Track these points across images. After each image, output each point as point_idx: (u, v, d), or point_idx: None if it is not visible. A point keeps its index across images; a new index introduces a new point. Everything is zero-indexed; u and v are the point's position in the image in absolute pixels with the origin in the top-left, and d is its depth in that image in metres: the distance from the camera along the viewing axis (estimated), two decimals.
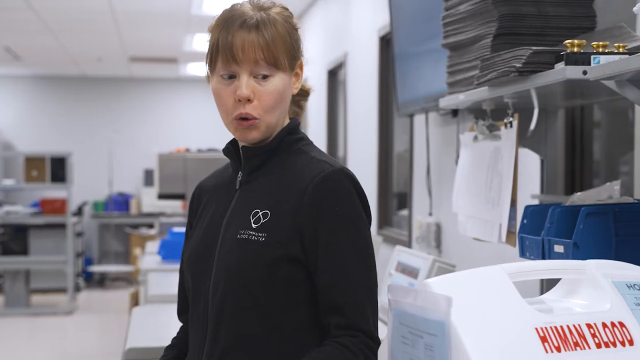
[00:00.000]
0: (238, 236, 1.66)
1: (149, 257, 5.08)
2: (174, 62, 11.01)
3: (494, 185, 2.35)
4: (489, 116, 2.40)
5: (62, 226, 9.47)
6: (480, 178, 2.43)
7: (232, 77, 1.66)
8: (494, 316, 1.19)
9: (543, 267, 1.32)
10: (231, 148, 1.79)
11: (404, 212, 4.64)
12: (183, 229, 5.64)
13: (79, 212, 11.46)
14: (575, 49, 1.82)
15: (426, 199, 3.89)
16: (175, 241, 4.82)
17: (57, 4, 7.45)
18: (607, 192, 2.10)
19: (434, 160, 3.87)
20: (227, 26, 1.65)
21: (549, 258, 1.86)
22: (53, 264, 9.56)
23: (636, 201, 1.91)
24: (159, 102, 12.92)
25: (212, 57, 1.68)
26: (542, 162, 2.57)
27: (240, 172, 1.76)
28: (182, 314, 1.89)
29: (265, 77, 1.65)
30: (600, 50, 1.81)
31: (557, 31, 2.16)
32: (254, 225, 1.65)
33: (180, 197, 6.83)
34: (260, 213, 1.66)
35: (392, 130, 4.89)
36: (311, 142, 1.79)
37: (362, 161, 5.37)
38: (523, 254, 2.00)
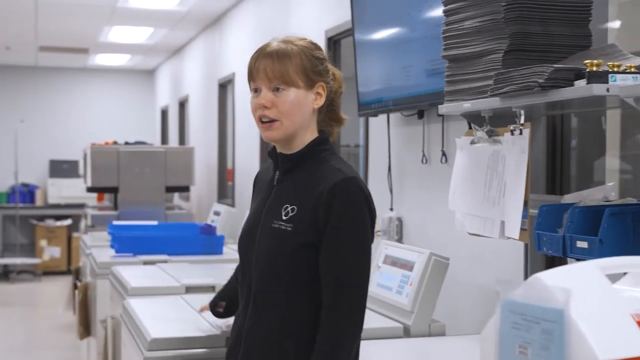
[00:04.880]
0: (272, 225, 2.14)
1: (98, 250, 5.11)
2: (84, 53, 10.90)
3: (494, 185, 2.59)
4: (487, 123, 2.64)
5: None
6: (478, 178, 2.66)
7: (257, 90, 2.17)
8: (597, 304, 1.41)
9: (628, 262, 1.55)
10: (272, 152, 2.27)
11: None
12: (123, 222, 5.70)
13: None
14: (594, 68, 2.07)
15: (387, 195, 4.12)
16: (126, 235, 4.88)
17: None
18: (602, 193, 2.37)
19: (394, 159, 4.10)
20: (253, 55, 2.19)
21: (572, 253, 2.11)
22: None
23: (638, 202, 2.19)
24: (65, 92, 12.76)
25: (247, 78, 2.21)
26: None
27: (277, 172, 2.24)
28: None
29: (279, 90, 2.14)
30: (615, 69, 2.07)
31: (559, 48, 2.41)
32: (284, 218, 2.12)
33: (112, 190, 6.83)
34: (289, 208, 2.13)
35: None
36: (334, 153, 2.25)
37: None
38: (540, 248, 2.25)
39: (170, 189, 7.01)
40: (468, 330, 3.33)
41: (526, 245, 2.88)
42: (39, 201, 12.10)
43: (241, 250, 2.25)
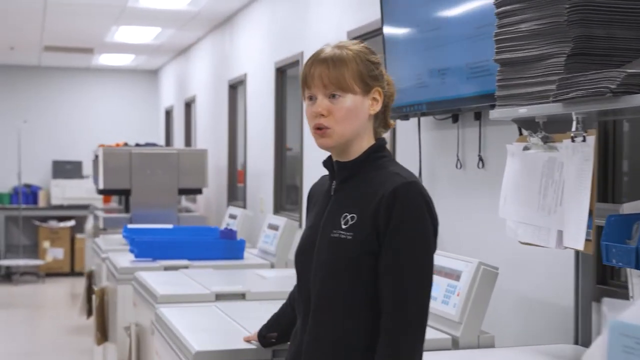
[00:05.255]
0: (332, 235, 2.08)
1: (115, 254, 5.01)
2: (89, 52, 10.80)
3: (550, 192, 2.51)
4: (541, 128, 2.55)
5: None
6: (532, 186, 2.58)
7: (312, 98, 2.11)
8: None
9: None
10: (328, 161, 2.21)
11: None
12: (138, 226, 5.60)
13: None
14: None
15: None
16: (146, 240, 4.79)
17: None
18: None
19: (425, 163, 4.01)
20: (308, 62, 2.13)
21: None
22: None
23: None
24: (69, 92, 12.65)
25: (301, 86, 2.15)
26: None
27: (334, 182, 2.18)
28: None
29: (335, 96, 2.08)
30: None
31: (622, 52, 2.31)
32: (343, 227, 2.07)
33: (124, 192, 6.72)
34: (349, 216, 2.08)
35: None
36: (392, 159, 2.20)
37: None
38: (608, 260, 2.16)
39: (183, 191, 6.91)
40: (510, 340, 3.25)
41: (577, 254, 2.80)
42: (41, 202, 12.00)
43: (298, 264, 2.19)
